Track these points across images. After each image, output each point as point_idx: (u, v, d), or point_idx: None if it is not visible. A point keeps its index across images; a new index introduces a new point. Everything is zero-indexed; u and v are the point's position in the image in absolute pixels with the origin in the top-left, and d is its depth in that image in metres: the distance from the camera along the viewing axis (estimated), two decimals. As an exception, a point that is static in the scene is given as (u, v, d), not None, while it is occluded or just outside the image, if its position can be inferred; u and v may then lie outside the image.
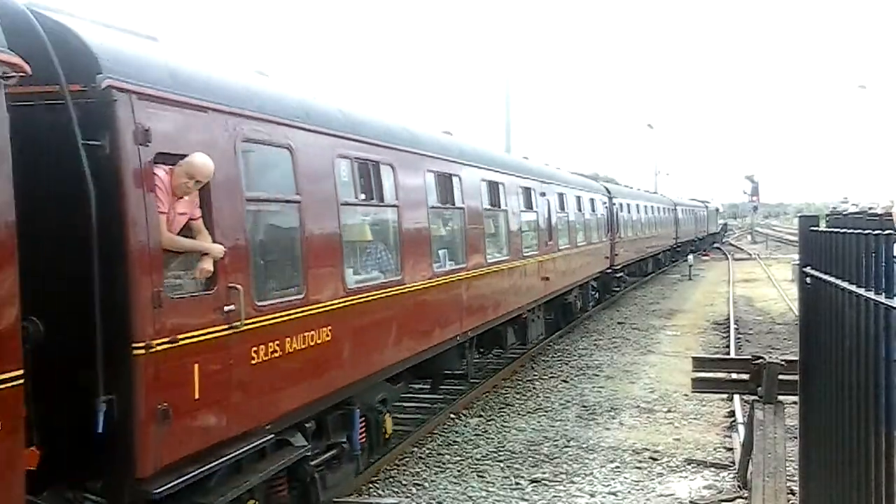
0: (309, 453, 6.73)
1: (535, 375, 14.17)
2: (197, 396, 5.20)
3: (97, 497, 4.75)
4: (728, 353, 15.49)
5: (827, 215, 5.64)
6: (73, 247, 4.60)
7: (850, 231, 3.97)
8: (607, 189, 24.96)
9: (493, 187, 12.60)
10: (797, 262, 5.95)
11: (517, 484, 8.61)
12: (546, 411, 11.67)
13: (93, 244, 4.56)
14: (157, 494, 4.87)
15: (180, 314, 5.08)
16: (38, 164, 4.46)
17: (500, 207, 12.87)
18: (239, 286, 5.54)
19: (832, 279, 4.39)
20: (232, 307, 5.49)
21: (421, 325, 9.27)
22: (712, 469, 8.99)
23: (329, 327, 6.91)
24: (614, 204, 24.80)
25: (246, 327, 5.64)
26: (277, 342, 6.12)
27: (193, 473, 5.17)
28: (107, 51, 4.80)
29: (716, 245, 62.40)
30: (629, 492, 8.32)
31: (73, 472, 4.79)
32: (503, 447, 9.92)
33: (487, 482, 8.69)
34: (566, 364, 15.22)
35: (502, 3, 57.89)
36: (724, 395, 11.29)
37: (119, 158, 4.71)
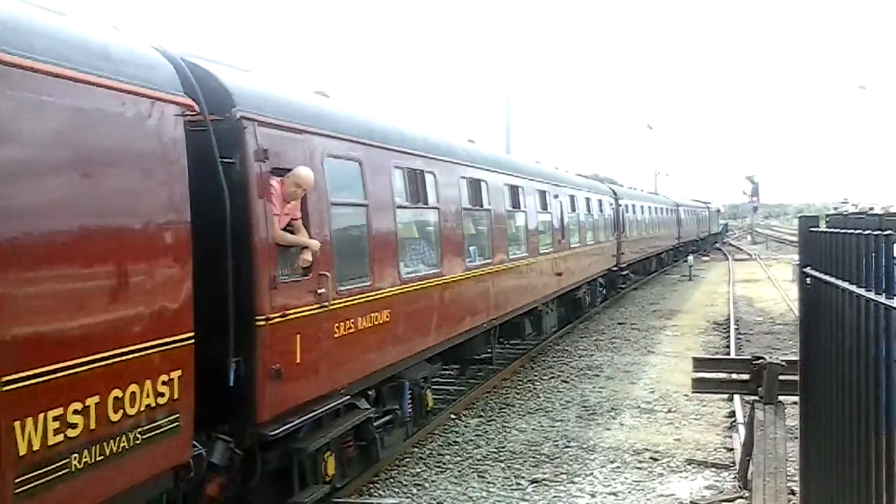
0: (373, 415, 8.06)
1: (535, 376, 14.19)
2: (298, 361, 6.53)
3: (226, 437, 6.05)
4: (728, 354, 15.48)
5: (827, 216, 5.68)
6: (211, 241, 5.77)
7: (850, 231, 3.95)
8: (614, 191, 26.12)
9: (514, 190, 13.90)
10: (797, 263, 5.96)
11: (518, 484, 8.66)
12: (546, 411, 11.67)
13: (227, 239, 5.80)
14: (270, 437, 6.21)
15: (288, 295, 6.41)
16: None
17: (519, 209, 14.16)
18: (328, 273, 6.88)
19: (832, 279, 4.36)
20: (323, 290, 6.83)
21: (456, 313, 10.57)
22: (713, 469, 8.98)
23: (388, 310, 8.25)
24: (620, 205, 25.99)
25: (332, 307, 7.00)
26: (352, 320, 7.46)
27: (294, 423, 6.49)
28: (237, 88, 6.14)
29: (716, 245, 63.43)
30: (629, 492, 8.35)
31: (206, 417, 6.07)
32: (504, 447, 9.95)
33: (488, 482, 8.73)
34: (566, 364, 15.25)
35: (502, 4, 59.17)
36: (725, 396, 11.29)
37: (246, 173, 6.02)
